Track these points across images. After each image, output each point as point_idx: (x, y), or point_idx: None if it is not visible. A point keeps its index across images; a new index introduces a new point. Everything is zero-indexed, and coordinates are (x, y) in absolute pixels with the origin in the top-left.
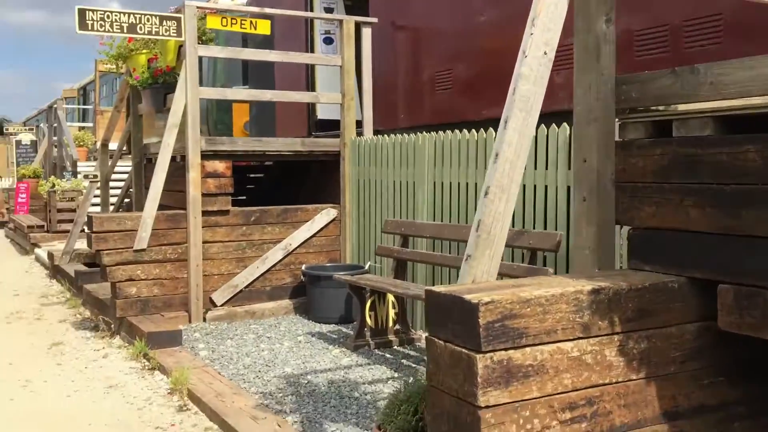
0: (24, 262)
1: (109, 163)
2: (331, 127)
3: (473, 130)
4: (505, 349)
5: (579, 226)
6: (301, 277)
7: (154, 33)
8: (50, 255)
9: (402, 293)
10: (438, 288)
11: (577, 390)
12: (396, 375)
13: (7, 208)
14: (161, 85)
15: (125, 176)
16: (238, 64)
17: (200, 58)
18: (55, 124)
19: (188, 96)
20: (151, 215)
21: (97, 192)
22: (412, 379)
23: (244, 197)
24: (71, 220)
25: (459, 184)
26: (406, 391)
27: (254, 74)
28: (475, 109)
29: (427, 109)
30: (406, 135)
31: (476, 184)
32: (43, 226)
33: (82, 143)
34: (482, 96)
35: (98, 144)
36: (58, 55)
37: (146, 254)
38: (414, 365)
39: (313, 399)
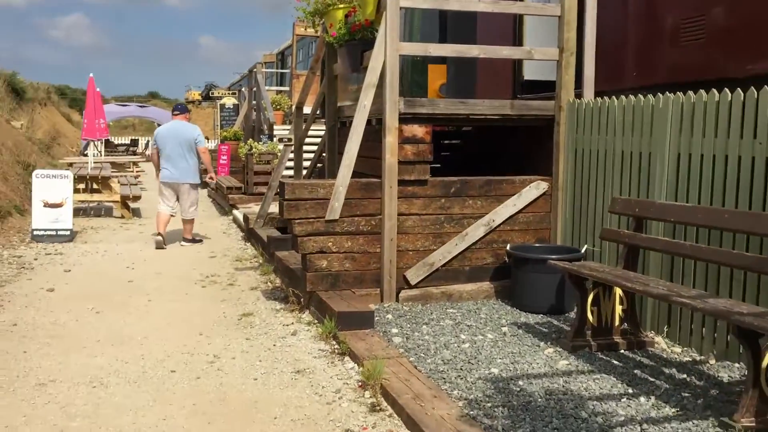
0: (222, 223)
1: (303, 127)
2: (538, 88)
3: (738, 90)
4: None
5: None
6: (505, 257)
7: None
8: (245, 218)
9: (642, 291)
10: None
11: None
12: (630, 390)
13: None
14: (358, 42)
15: (319, 140)
16: (435, 21)
17: (401, 11)
18: (255, 88)
19: (387, 52)
20: (345, 183)
21: (291, 156)
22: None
23: (438, 165)
24: (266, 183)
25: (715, 156)
26: None
27: (453, 31)
28: (737, 64)
29: (666, 65)
30: (641, 97)
31: (740, 157)
32: (240, 188)
33: (278, 107)
34: (749, 46)
35: (293, 107)
36: (259, 25)
37: (338, 225)
38: (651, 378)
39: (529, 415)
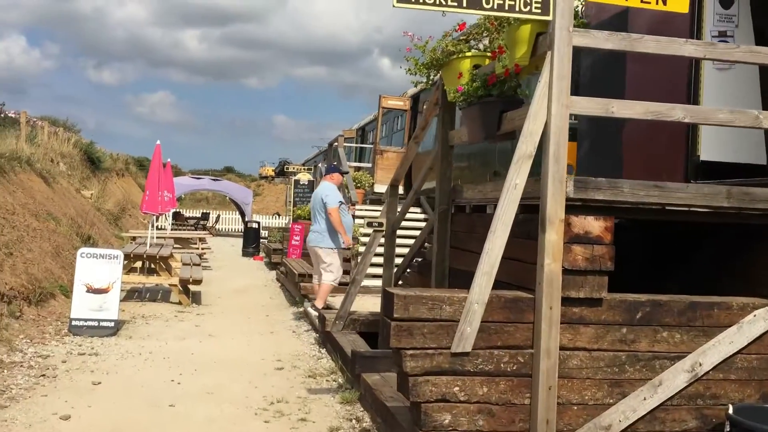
0: (292, 317)
1: (399, 209)
2: (721, 174)
3: None
4: None
5: None
6: (725, 425)
7: (507, 8)
8: (321, 318)
9: None
10: None
11: None
12: None
13: (275, 249)
14: (496, 98)
15: (415, 224)
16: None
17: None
18: (335, 163)
19: (553, 109)
20: (482, 300)
21: (381, 240)
22: None
23: None
24: (346, 273)
25: None
26: None
27: (589, 86)
28: None
29: None
30: None
31: None
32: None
33: (359, 184)
34: None
35: (375, 186)
36: (335, 106)
37: (469, 361)
38: None
39: None
